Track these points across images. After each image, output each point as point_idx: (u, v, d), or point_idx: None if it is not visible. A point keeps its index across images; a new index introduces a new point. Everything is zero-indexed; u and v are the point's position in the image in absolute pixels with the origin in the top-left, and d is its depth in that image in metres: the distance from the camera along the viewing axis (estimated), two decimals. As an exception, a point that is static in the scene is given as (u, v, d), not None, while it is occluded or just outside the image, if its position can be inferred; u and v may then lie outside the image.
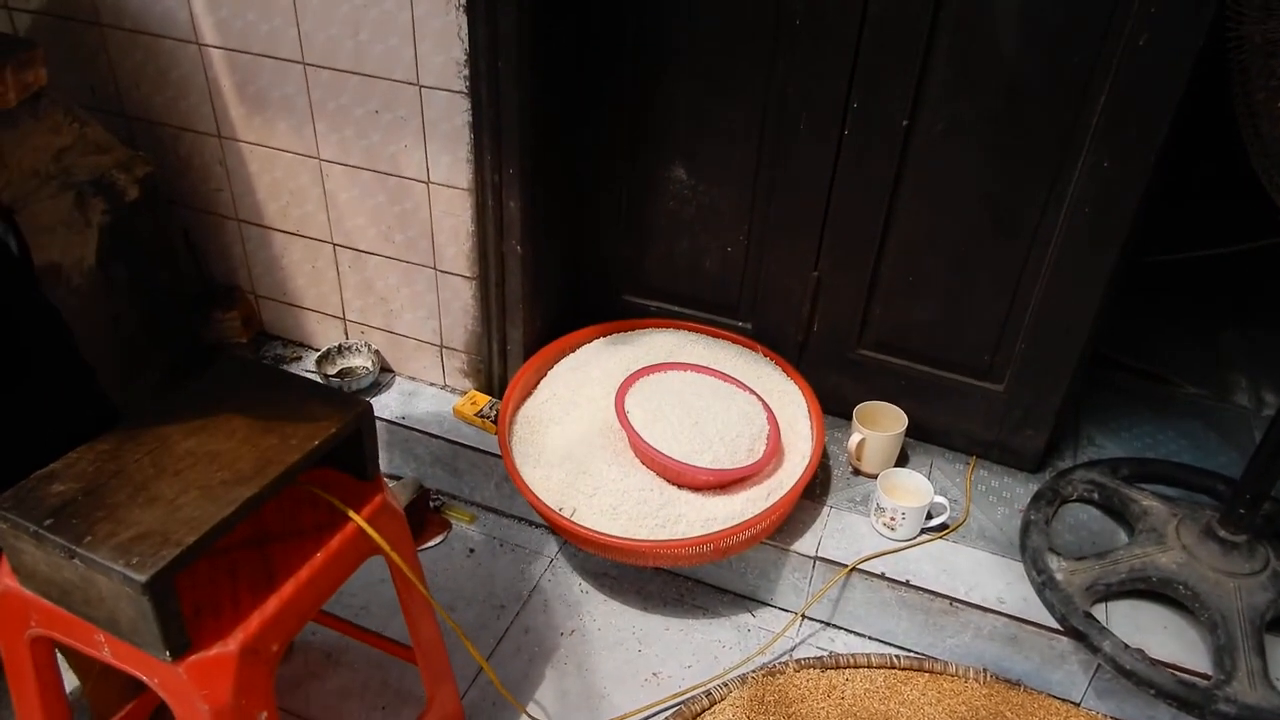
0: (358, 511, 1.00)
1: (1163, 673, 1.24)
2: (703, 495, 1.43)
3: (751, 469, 1.43)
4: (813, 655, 1.41)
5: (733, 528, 1.35)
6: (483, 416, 1.65)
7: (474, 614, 1.48)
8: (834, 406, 1.66)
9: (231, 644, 0.86)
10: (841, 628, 1.49)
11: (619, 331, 1.73)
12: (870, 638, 1.47)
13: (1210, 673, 1.26)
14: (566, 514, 1.40)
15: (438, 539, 1.62)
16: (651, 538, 1.36)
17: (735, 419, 1.46)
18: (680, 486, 1.43)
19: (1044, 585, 1.35)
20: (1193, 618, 1.33)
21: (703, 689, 1.35)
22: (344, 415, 0.98)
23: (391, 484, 1.66)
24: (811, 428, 1.55)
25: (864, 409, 1.58)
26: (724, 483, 1.43)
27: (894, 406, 1.58)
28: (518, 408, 1.60)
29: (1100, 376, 1.84)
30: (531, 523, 1.66)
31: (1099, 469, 1.55)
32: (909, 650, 1.45)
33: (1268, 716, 1.18)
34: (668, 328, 1.73)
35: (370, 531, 1.00)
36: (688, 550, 1.35)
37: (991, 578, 1.41)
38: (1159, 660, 1.27)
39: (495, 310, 1.61)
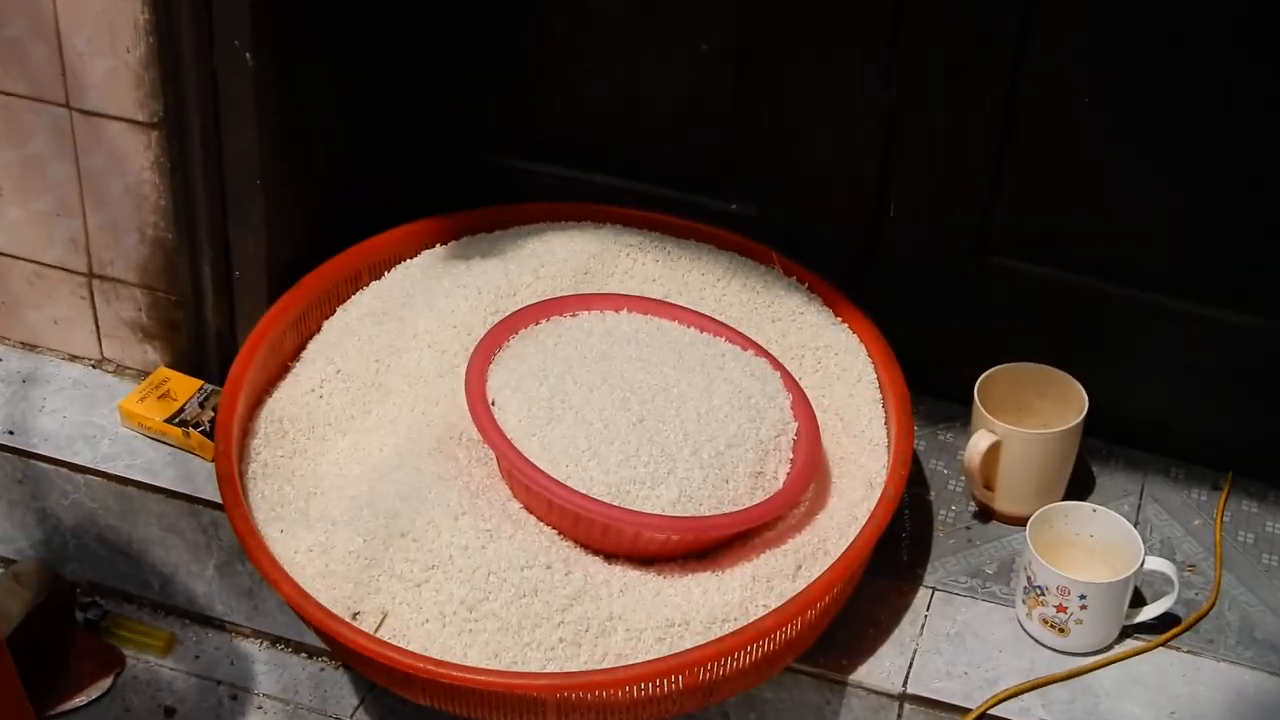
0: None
1: None
2: (659, 573, 1.34)
3: (761, 512, 1.35)
4: None
5: (726, 639, 1.25)
6: (184, 423, 1.56)
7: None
8: (934, 377, 1.61)
9: None
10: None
11: (479, 230, 1.69)
12: None
13: None
14: (368, 625, 1.31)
15: (97, 687, 1.56)
16: (553, 667, 1.27)
17: (724, 408, 1.40)
18: (610, 555, 1.34)
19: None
20: None
21: None
22: None
23: (-5, 574, 1.58)
24: (888, 421, 1.48)
25: (996, 379, 1.49)
26: (705, 543, 1.35)
27: (1059, 372, 1.52)
28: (260, 402, 1.52)
29: None
30: (296, 645, 1.58)
31: None
32: None
33: None
34: (581, 220, 1.68)
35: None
36: (632, 691, 1.26)
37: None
38: None
39: (204, 194, 1.52)
